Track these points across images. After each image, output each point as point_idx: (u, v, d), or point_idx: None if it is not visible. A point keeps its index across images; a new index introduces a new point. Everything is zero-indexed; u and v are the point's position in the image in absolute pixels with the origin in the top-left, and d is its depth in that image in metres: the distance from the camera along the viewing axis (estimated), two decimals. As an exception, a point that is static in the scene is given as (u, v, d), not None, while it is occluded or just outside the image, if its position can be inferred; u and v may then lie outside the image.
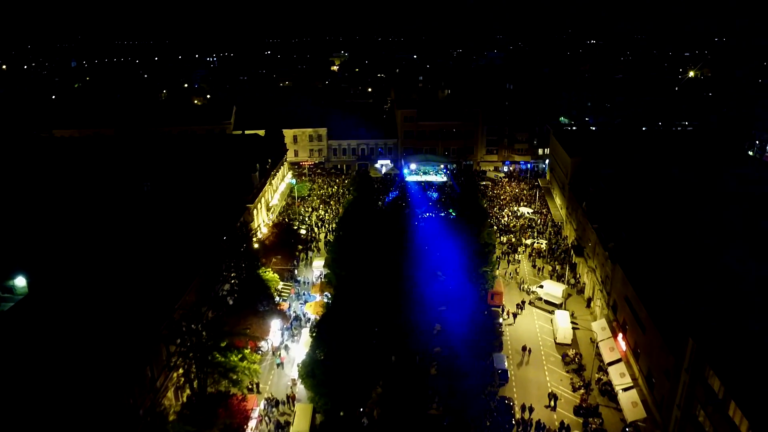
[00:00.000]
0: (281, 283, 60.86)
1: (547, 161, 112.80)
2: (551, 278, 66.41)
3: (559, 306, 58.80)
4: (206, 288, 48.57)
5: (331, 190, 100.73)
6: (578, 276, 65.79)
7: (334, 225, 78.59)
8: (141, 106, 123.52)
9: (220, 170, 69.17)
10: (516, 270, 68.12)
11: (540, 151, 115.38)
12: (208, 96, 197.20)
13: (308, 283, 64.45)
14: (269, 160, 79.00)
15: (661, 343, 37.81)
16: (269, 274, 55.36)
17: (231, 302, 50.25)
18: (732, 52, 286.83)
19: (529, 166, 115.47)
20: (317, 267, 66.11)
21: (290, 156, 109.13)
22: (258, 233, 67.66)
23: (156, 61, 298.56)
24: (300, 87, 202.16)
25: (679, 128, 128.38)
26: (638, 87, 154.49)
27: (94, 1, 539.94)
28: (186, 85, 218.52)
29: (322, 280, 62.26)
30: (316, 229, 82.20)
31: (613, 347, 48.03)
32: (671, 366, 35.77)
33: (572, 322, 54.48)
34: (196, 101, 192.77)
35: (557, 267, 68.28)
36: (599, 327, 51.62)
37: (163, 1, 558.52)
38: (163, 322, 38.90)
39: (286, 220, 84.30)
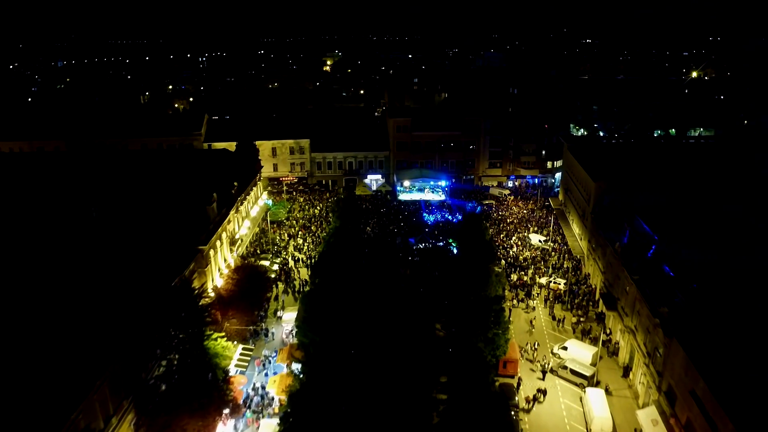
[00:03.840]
0: (240, 346, 48.64)
1: (557, 176, 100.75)
2: (574, 332, 54.41)
3: (589, 378, 46.63)
4: (128, 376, 36.21)
5: (314, 211, 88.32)
6: (609, 332, 53.62)
7: (316, 256, 65.57)
8: (103, 114, 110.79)
9: (173, 199, 56.70)
10: (531, 322, 55.88)
11: (549, 164, 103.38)
12: (191, 99, 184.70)
13: (273, 358, 50.76)
14: (235, 183, 66.46)
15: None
16: (220, 344, 42.98)
17: (163, 388, 37.95)
18: (733, 51, 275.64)
19: (537, 181, 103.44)
20: (288, 321, 53.75)
21: (269, 171, 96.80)
22: (214, 280, 55.29)
23: (146, 61, 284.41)
24: (289, 88, 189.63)
25: (695, 137, 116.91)
26: (644, 89, 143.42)
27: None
28: (171, 87, 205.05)
29: (292, 341, 50.08)
30: (292, 263, 69.79)
31: (673, 455, 35.98)
32: None
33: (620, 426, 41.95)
34: (177, 104, 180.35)
35: (581, 318, 56.13)
36: (648, 419, 39.45)
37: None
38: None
39: (259, 251, 71.91)
